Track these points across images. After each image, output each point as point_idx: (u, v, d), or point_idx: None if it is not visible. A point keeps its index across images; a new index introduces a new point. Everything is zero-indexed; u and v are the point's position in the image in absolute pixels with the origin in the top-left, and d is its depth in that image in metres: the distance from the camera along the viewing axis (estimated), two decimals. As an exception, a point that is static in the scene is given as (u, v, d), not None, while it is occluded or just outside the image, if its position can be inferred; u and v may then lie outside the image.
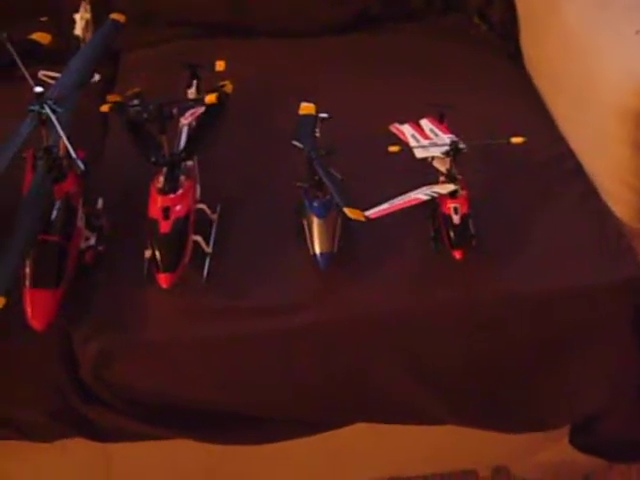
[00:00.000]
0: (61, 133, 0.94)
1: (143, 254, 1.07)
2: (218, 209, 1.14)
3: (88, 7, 1.31)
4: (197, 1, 1.50)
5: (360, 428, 1.16)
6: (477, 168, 1.16)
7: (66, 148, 0.99)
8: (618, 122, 1.10)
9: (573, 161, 1.22)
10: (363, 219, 1.01)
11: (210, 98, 1.10)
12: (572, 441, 1.22)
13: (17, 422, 1.08)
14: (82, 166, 0.92)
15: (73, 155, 0.93)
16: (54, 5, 1.38)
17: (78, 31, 1.29)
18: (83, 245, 1.08)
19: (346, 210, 1.01)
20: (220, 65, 1.23)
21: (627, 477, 1.44)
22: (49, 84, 1.15)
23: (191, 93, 1.21)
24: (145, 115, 1.07)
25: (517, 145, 1.09)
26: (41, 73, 1.20)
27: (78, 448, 1.16)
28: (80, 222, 1.07)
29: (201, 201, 1.12)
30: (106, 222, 1.12)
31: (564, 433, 1.22)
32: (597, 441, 1.20)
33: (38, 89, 1.01)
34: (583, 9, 1.22)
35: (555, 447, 1.28)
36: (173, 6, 1.49)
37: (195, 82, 1.22)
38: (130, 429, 1.09)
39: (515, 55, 1.44)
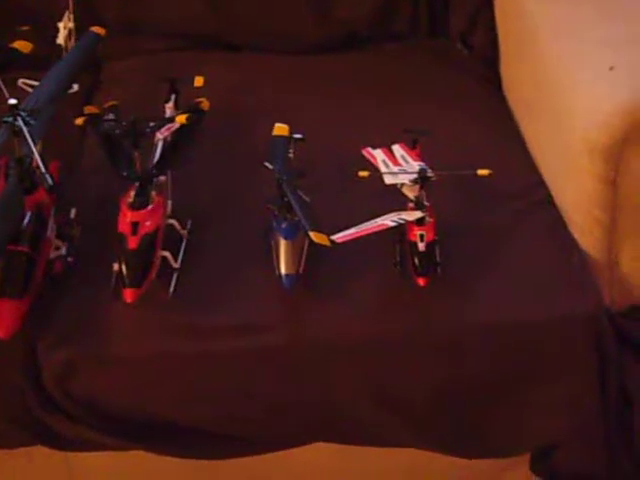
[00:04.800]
0: (32, 147, 0.94)
1: (112, 267, 1.07)
2: (189, 225, 1.14)
3: (72, 16, 1.30)
4: (184, 13, 1.49)
5: (321, 447, 1.16)
6: (448, 195, 1.16)
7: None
8: (587, 156, 1.09)
9: (543, 192, 1.21)
10: (328, 244, 1.00)
11: (180, 119, 1.09)
12: (532, 468, 1.21)
13: None
14: (50, 181, 0.92)
15: (42, 169, 0.93)
16: (37, 13, 1.38)
17: (61, 40, 1.28)
18: (53, 255, 1.08)
19: (311, 234, 1.00)
20: (199, 81, 1.22)
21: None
22: (28, 92, 1.16)
23: (169, 107, 1.21)
24: (118, 131, 1.07)
25: (483, 177, 1.08)
26: (21, 81, 1.21)
27: (40, 456, 1.15)
28: (50, 233, 1.07)
29: (172, 216, 1.12)
30: (77, 232, 1.12)
31: (526, 459, 1.21)
32: (556, 470, 1.19)
33: (12, 101, 1.00)
34: (559, 41, 1.21)
35: (517, 472, 1.25)
36: (160, 17, 1.49)
37: (173, 96, 1.22)
38: (91, 440, 1.09)
39: (495, 81, 1.44)
